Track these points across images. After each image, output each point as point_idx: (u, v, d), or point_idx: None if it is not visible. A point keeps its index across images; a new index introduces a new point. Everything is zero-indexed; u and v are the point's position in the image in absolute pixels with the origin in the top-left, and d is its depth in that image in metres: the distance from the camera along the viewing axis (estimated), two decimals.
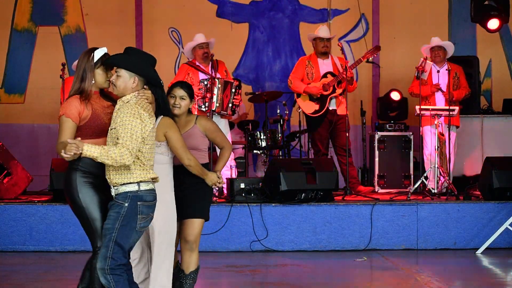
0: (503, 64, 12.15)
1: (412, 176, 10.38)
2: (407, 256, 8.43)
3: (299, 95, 9.82)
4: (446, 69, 9.76)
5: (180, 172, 5.45)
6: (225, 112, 9.18)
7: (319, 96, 9.66)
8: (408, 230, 8.77)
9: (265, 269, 7.87)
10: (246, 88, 11.66)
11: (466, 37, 11.98)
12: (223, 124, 9.33)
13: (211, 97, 9.01)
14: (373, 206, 8.76)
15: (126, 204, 4.80)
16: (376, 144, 10.47)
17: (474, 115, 10.81)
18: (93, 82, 5.00)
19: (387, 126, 10.69)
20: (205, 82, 9.05)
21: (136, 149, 4.77)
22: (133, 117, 4.78)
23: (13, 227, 8.67)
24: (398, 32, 12.03)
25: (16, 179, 9.37)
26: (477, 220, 8.82)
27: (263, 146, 10.08)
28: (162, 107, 5.25)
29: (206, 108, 9.03)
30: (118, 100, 4.94)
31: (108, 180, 4.87)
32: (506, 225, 8.45)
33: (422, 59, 9.68)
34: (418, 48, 10.36)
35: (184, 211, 5.50)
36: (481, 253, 8.51)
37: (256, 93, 11.00)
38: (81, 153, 4.74)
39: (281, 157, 10.43)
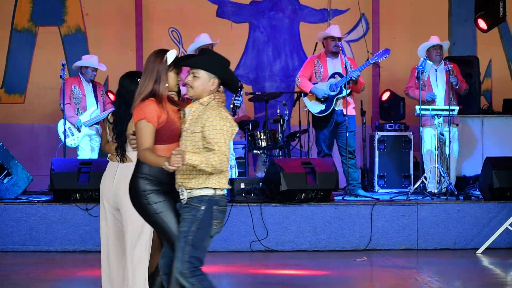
0: (503, 64, 12.15)
1: (412, 176, 10.38)
2: (407, 256, 8.43)
3: (305, 94, 9.79)
4: (444, 69, 9.77)
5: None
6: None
7: (324, 97, 9.59)
8: (408, 230, 8.77)
9: (265, 269, 7.87)
10: (246, 88, 11.66)
11: (466, 37, 11.98)
12: None
13: None
14: (373, 206, 8.76)
15: (203, 208, 4.69)
16: (376, 144, 10.47)
17: (474, 115, 10.81)
18: (166, 85, 4.85)
19: (387, 126, 10.69)
20: None
21: (228, 153, 4.68)
22: (222, 120, 4.66)
23: (13, 227, 8.67)
24: (398, 32, 12.03)
25: (16, 179, 9.37)
26: (477, 220, 8.82)
27: (263, 146, 10.08)
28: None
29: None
30: (194, 103, 4.80)
31: (179, 184, 4.75)
32: (506, 225, 8.45)
33: (421, 59, 9.68)
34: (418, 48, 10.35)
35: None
36: (481, 253, 8.51)
37: (256, 93, 10.99)
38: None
39: (281, 157, 10.43)
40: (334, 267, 7.92)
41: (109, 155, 5.45)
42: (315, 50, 10.61)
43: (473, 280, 7.30)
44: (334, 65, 9.69)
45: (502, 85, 12.06)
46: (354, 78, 9.43)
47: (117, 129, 5.33)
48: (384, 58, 9.62)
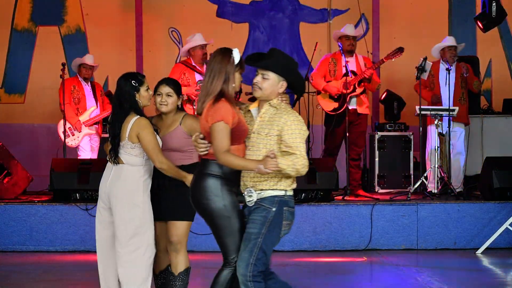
0: (503, 64, 12.15)
1: (412, 176, 10.38)
2: (407, 256, 8.43)
3: (319, 92, 9.76)
4: (453, 69, 9.79)
5: (160, 174, 5.38)
6: None
7: (337, 95, 9.55)
8: (408, 230, 8.77)
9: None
10: (246, 88, 11.65)
11: (466, 37, 11.96)
12: None
13: None
14: (373, 206, 8.76)
15: (274, 209, 4.65)
16: (376, 144, 10.47)
17: (474, 115, 10.81)
18: (233, 85, 4.77)
19: (387, 126, 10.69)
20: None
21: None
22: (300, 124, 4.64)
23: (13, 227, 8.68)
24: (398, 32, 12.03)
25: (16, 179, 9.37)
26: (477, 220, 8.82)
27: None
28: None
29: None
30: (264, 104, 4.75)
31: (247, 185, 4.72)
32: (506, 225, 8.45)
33: (421, 59, 9.68)
34: (418, 47, 10.35)
35: (167, 213, 5.45)
36: (481, 253, 8.51)
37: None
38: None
39: None
40: (334, 267, 7.92)
41: (107, 156, 5.44)
42: (315, 50, 10.61)
43: (473, 280, 7.30)
44: (349, 63, 9.65)
45: (502, 85, 12.06)
46: (367, 77, 9.43)
47: (112, 130, 5.32)
48: (398, 57, 9.61)
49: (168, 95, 5.49)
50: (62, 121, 9.74)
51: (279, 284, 4.77)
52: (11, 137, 11.28)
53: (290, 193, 4.71)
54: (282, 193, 4.66)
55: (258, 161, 4.54)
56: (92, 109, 9.82)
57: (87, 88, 9.91)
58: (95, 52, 10.95)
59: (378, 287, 7.21)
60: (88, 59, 9.88)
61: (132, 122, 5.24)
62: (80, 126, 9.71)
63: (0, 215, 8.68)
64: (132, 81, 5.32)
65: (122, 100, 5.29)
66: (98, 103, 9.92)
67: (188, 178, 5.33)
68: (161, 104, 5.48)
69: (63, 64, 9.65)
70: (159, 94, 5.50)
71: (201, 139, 4.74)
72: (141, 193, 5.28)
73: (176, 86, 5.55)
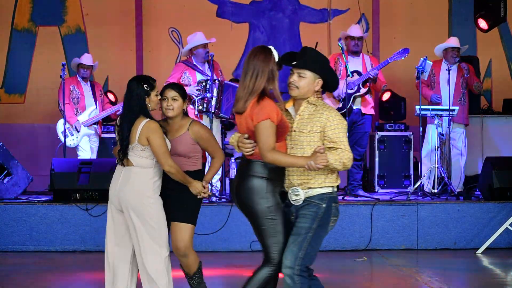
0: (503, 64, 12.15)
1: (412, 176, 10.38)
2: (407, 256, 8.43)
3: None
4: (455, 70, 9.78)
5: (166, 177, 5.40)
6: (227, 115, 9.11)
7: (339, 96, 9.54)
8: (408, 230, 8.77)
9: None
10: None
11: (466, 37, 11.95)
12: (215, 124, 9.21)
13: (211, 99, 8.97)
14: (373, 206, 8.76)
15: (324, 205, 4.68)
16: (376, 144, 10.47)
17: (474, 115, 10.81)
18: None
19: (387, 126, 10.69)
20: (204, 83, 9.01)
21: None
22: (341, 119, 4.68)
23: (13, 227, 8.68)
24: (398, 32, 12.03)
25: (16, 179, 9.38)
26: (477, 220, 8.82)
27: None
28: None
29: (204, 109, 9.00)
30: (302, 102, 4.77)
31: (293, 184, 4.71)
32: (506, 225, 8.45)
33: (421, 59, 9.68)
34: (418, 48, 10.35)
35: (170, 215, 5.46)
36: (481, 253, 8.51)
37: None
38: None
39: None
40: (334, 267, 7.92)
41: (117, 159, 5.47)
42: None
43: (473, 280, 7.30)
44: (354, 63, 9.65)
45: (502, 85, 12.06)
46: (372, 77, 9.43)
47: (120, 133, 5.33)
48: (403, 58, 9.61)
49: (174, 99, 5.50)
50: (61, 121, 9.74)
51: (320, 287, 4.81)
52: (11, 137, 11.28)
53: (336, 189, 4.74)
54: (330, 189, 4.70)
55: (307, 157, 4.55)
56: (91, 109, 9.82)
57: (86, 88, 9.91)
58: (95, 52, 10.95)
59: (378, 287, 7.20)
60: (86, 59, 9.87)
61: (142, 125, 5.26)
62: (79, 126, 9.71)
63: (0, 215, 8.68)
64: (145, 85, 5.36)
65: (132, 103, 5.31)
66: (98, 103, 9.92)
67: (194, 184, 5.42)
68: (167, 109, 5.49)
69: (63, 64, 9.65)
70: (165, 99, 5.51)
71: (246, 139, 4.71)
72: (151, 194, 5.31)
73: (181, 90, 5.56)
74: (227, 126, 10.15)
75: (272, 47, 4.81)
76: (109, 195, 5.44)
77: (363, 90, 9.52)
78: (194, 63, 9.32)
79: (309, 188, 4.66)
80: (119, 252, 5.41)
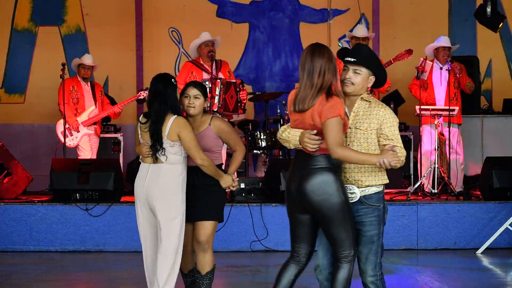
0: (503, 64, 12.14)
1: (412, 176, 10.38)
2: (407, 256, 8.43)
3: None
4: (447, 69, 9.77)
5: (193, 173, 5.50)
6: (231, 112, 9.12)
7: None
8: (408, 230, 8.77)
9: (265, 269, 7.87)
10: (246, 88, 11.65)
11: (466, 37, 11.97)
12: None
13: (213, 98, 8.99)
14: None
15: (381, 206, 4.74)
16: None
17: (474, 115, 10.81)
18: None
19: None
20: (207, 82, 9.05)
21: None
22: (394, 116, 4.72)
23: (13, 227, 8.68)
24: (398, 32, 12.03)
25: (16, 179, 9.37)
26: (477, 220, 8.82)
27: (263, 146, 10.08)
28: None
29: (208, 108, 9.03)
30: (357, 99, 4.78)
31: (350, 181, 4.72)
32: (506, 225, 8.45)
33: (421, 59, 9.68)
34: (418, 48, 10.34)
35: (196, 213, 5.54)
36: (481, 253, 8.51)
37: (256, 93, 10.99)
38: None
39: (281, 157, 10.43)
40: None
41: (140, 156, 5.52)
42: None
43: (473, 280, 7.30)
44: None
45: (502, 85, 12.06)
46: None
47: (155, 127, 5.37)
48: (407, 59, 9.61)
49: (196, 97, 5.58)
50: (60, 121, 9.74)
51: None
52: (11, 137, 11.28)
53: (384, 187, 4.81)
54: (381, 188, 4.75)
55: (378, 155, 4.60)
56: (91, 109, 9.82)
57: (86, 88, 9.90)
58: (95, 52, 10.95)
59: None
60: (87, 60, 9.87)
61: (171, 121, 5.34)
62: (78, 126, 9.71)
63: (0, 215, 8.68)
64: (173, 80, 5.46)
65: (166, 98, 5.38)
66: (97, 103, 9.91)
67: (224, 178, 5.54)
68: (188, 106, 5.57)
69: (63, 64, 9.64)
70: (187, 96, 5.59)
71: (314, 135, 4.67)
72: (180, 191, 5.40)
73: (203, 89, 5.65)
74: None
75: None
76: (135, 193, 5.50)
77: None
78: (201, 62, 9.38)
79: (367, 186, 4.69)
80: (154, 251, 5.49)
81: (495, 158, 9.31)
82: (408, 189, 9.90)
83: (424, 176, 9.58)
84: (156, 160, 5.38)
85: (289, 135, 4.74)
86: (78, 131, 9.73)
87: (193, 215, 5.52)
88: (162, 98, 5.38)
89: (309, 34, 11.97)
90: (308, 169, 4.65)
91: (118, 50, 11.94)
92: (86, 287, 7.11)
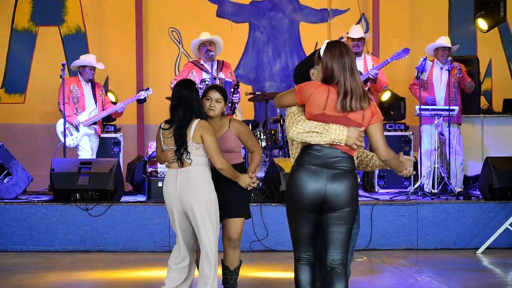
0: (503, 64, 12.15)
1: (412, 176, 10.37)
2: (407, 256, 8.43)
3: None
4: (447, 69, 9.77)
5: (219, 173, 5.60)
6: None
7: None
8: (408, 230, 8.77)
9: (265, 269, 7.86)
10: (246, 88, 11.66)
11: (466, 37, 11.98)
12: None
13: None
14: (373, 206, 8.76)
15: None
16: None
17: (474, 115, 10.81)
18: None
19: (387, 126, 10.69)
20: (206, 82, 9.08)
21: None
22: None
23: (13, 227, 8.67)
24: (398, 32, 12.03)
25: (16, 179, 9.37)
26: (477, 220, 8.81)
27: (263, 146, 10.08)
28: None
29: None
30: None
31: None
32: (506, 225, 8.44)
33: (421, 59, 9.68)
34: (418, 48, 10.35)
35: (226, 211, 5.67)
36: (481, 253, 8.50)
37: (256, 93, 10.99)
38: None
39: (281, 157, 10.42)
40: None
41: (166, 163, 5.58)
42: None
43: (473, 280, 7.30)
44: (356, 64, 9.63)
45: (502, 85, 12.06)
46: (372, 77, 9.44)
47: (179, 132, 5.45)
48: (404, 57, 9.60)
49: (217, 101, 5.70)
50: (60, 121, 9.74)
51: None
52: (11, 137, 11.29)
53: None
54: None
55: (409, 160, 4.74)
56: (91, 109, 9.82)
57: (87, 88, 9.91)
58: (95, 52, 10.95)
59: (378, 287, 7.20)
60: (97, 63, 9.90)
61: (195, 124, 5.45)
62: (78, 124, 9.70)
63: (0, 215, 8.68)
64: (197, 87, 5.60)
65: (192, 104, 5.48)
66: (98, 103, 9.91)
67: (242, 178, 5.64)
68: (209, 109, 5.68)
69: (63, 64, 9.64)
70: (208, 99, 5.70)
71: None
72: (212, 190, 5.50)
73: (224, 93, 5.77)
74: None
75: None
76: (167, 201, 5.56)
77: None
78: (202, 62, 9.42)
79: None
80: (185, 253, 5.60)
81: (495, 158, 9.31)
82: (408, 189, 9.90)
83: (424, 176, 9.59)
84: (182, 164, 5.46)
85: (329, 128, 4.55)
86: (78, 130, 9.73)
87: (222, 213, 5.62)
88: (187, 103, 5.47)
89: (309, 34, 11.98)
90: (343, 170, 4.56)
91: (118, 50, 11.94)
92: (86, 287, 7.11)
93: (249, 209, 5.83)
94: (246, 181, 5.67)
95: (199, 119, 5.48)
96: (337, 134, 4.52)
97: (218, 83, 9.09)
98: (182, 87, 5.55)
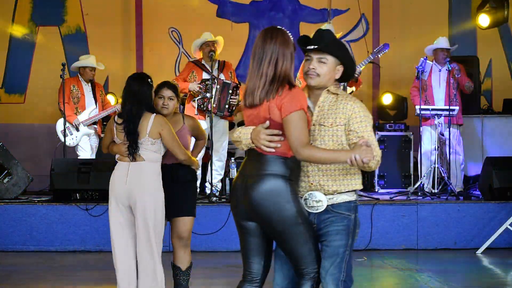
0: (503, 64, 12.15)
1: (412, 176, 10.38)
2: (407, 256, 8.43)
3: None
4: (446, 69, 9.78)
5: (170, 170, 5.56)
6: (221, 113, 9.18)
7: None
8: (408, 230, 8.77)
9: None
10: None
11: (466, 37, 11.97)
12: (222, 124, 9.35)
13: (210, 98, 9.01)
14: (373, 206, 8.76)
15: (353, 216, 4.06)
16: None
17: (474, 115, 10.81)
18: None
19: (387, 126, 10.70)
20: (206, 82, 9.08)
21: None
22: (367, 112, 4.05)
23: (13, 227, 8.67)
24: (398, 32, 12.03)
25: (16, 179, 9.37)
26: (477, 220, 8.82)
27: None
28: None
29: (205, 108, 9.06)
30: (322, 92, 4.12)
31: (314, 187, 4.05)
32: (506, 225, 8.45)
33: (422, 59, 9.69)
34: (418, 48, 10.35)
35: (175, 210, 5.61)
36: (481, 253, 8.50)
37: None
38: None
39: None
40: None
41: (117, 155, 5.54)
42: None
43: (473, 280, 7.30)
44: None
45: (502, 85, 12.06)
46: (356, 75, 9.42)
47: (130, 127, 5.38)
48: (384, 52, 9.58)
49: (170, 99, 5.67)
50: (60, 120, 9.74)
51: None
52: (11, 137, 11.28)
53: (357, 196, 4.13)
54: (354, 197, 4.08)
55: (348, 151, 3.90)
56: (91, 109, 9.82)
57: (87, 88, 9.91)
58: (95, 52, 10.95)
59: (378, 287, 7.20)
60: (100, 65, 9.92)
61: (152, 119, 5.38)
62: (78, 123, 9.70)
63: (0, 215, 8.68)
64: (149, 80, 5.51)
65: (140, 98, 5.40)
66: (98, 103, 9.92)
67: (195, 162, 5.67)
68: (163, 107, 5.64)
69: (63, 64, 9.64)
70: (161, 97, 5.66)
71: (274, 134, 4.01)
72: (161, 189, 5.43)
73: (176, 90, 5.74)
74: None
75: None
76: (113, 193, 5.44)
77: (349, 90, 9.52)
78: (203, 62, 9.41)
79: (334, 191, 4.03)
80: (130, 252, 5.49)
81: (495, 158, 9.32)
82: (408, 189, 9.91)
83: (424, 176, 9.59)
84: (134, 158, 5.39)
85: (240, 134, 4.08)
86: (78, 130, 9.73)
87: (172, 212, 5.58)
88: (136, 98, 5.40)
89: (309, 34, 11.92)
90: (258, 175, 3.96)
91: (118, 50, 11.94)
92: (86, 287, 7.11)
93: (195, 208, 5.73)
94: (196, 163, 5.70)
95: (154, 113, 5.40)
96: (246, 137, 4.12)
97: (217, 84, 9.09)
98: (133, 81, 5.46)
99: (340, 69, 4.12)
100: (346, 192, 4.05)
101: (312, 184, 4.05)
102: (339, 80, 4.18)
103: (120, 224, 5.47)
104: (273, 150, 3.97)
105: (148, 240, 5.36)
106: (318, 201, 4.03)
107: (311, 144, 3.97)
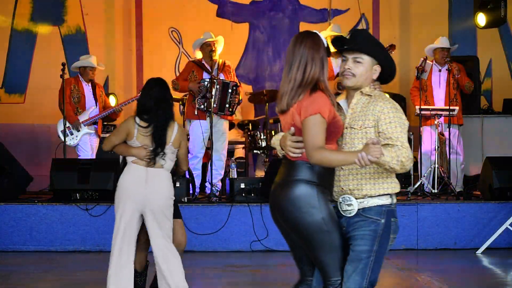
0: (503, 64, 12.15)
1: (412, 176, 10.38)
2: (407, 256, 8.43)
3: None
4: (446, 69, 9.78)
5: None
6: (222, 113, 9.19)
7: None
8: (408, 230, 8.77)
9: (265, 269, 7.87)
10: (246, 88, 11.66)
11: (466, 37, 11.98)
12: (222, 124, 9.36)
13: (210, 98, 9.03)
14: None
15: (383, 220, 3.96)
16: None
17: (474, 115, 10.81)
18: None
19: None
20: (206, 82, 9.09)
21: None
22: (398, 112, 3.96)
23: (13, 227, 8.67)
24: (398, 32, 12.03)
25: (16, 179, 9.37)
26: (477, 220, 8.81)
27: (263, 146, 10.08)
28: None
29: (205, 108, 9.08)
30: (355, 94, 4.06)
31: (344, 191, 4.01)
32: (506, 225, 8.44)
33: (422, 59, 9.68)
34: (419, 47, 10.35)
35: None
36: (481, 253, 8.50)
37: (254, 92, 10.99)
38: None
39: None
40: None
41: (133, 158, 5.48)
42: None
43: (473, 280, 7.30)
44: (338, 64, 9.67)
45: (502, 85, 12.06)
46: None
47: (160, 134, 5.40)
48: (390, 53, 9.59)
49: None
50: (61, 120, 9.74)
51: None
52: (11, 137, 11.28)
53: (395, 200, 4.05)
54: (389, 200, 4.01)
55: (357, 150, 3.79)
56: (92, 109, 9.82)
57: (87, 88, 9.91)
58: (95, 52, 10.96)
59: (378, 287, 7.19)
60: (100, 65, 9.94)
61: (176, 128, 5.46)
62: (79, 125, 9.70)
63: (0, 215, 8.68)
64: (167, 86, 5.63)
65: (171, 106, 5.53)
66: (98, 103, 9.92)
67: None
68: None
69: (63, 64, 9.64)
70: None
71: (292, 135, 4.00)
72: (173, 196, 5.54)
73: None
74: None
75: (318, 32, 4.09)
76: (129, 197, 5.43)
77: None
78: (203, 62, 9.42)
79: (365, 195, 3.96)
80: (130, 255, 5.53)
81: (495, 158, 9.31)
82: (408, 189, 9.90)
83: (424, 176, 9.59)
84: (154, 165, 5.41)
85: (274, 141, 4.13)
86: (79, 130, 9.73)
87: None
88: (168, 105, 5.48)
89: None
90: (286, 180, 3.95)
91: (118, 50, 11.94)
92: (86, 287, 7.11)
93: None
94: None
95: (176, 123, 5.50)
96: (278, 144, 4.16)
97: (217, 83, 9.10)
98: (161, 87, 5.50)
99: (377, 69, 4.05)
100: (378, 196, 3.98)
101: (343, 188, 4.01)
102: (380, 82, 4.12)
103: (133, 228, 5.50)
104: (299, 155, 3.94)
105: (163, 237, 5.44)
106: (349, 205, 3.99)
107: (323, 148, 3.86)
